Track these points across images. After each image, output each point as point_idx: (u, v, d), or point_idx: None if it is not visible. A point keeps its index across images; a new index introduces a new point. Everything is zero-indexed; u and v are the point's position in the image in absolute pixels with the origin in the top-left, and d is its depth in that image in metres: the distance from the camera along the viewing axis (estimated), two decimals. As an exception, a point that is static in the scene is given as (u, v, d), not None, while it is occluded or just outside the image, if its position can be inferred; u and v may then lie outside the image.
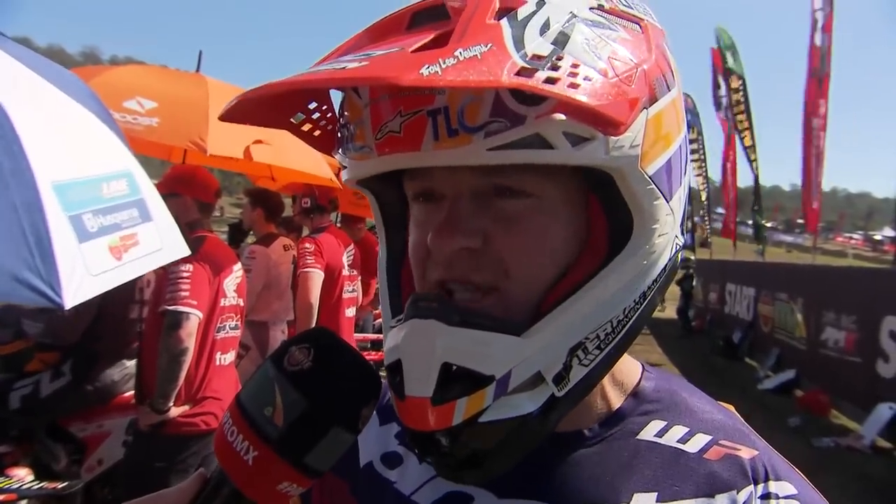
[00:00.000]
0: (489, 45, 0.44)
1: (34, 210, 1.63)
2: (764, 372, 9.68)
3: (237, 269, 3.09)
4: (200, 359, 2.81)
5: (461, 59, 0.41)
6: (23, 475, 2.66)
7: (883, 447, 6.25)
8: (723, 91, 16.87)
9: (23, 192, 1.63)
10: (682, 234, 0.60)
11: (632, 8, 0.56)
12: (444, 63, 0.41)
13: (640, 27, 0.54)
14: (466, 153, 0.47)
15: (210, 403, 2.83)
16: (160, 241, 2.14)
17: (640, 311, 0.55)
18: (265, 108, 0.55)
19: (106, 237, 1.87)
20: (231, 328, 3.01)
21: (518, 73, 0.43)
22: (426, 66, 0.40)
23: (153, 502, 0.53)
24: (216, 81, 4.34)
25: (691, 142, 20.24)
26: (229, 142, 3.93)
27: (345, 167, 0.59)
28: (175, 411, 2.70)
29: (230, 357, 3.02)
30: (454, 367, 0.51)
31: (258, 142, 3.87)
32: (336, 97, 0.59)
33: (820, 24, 11.31)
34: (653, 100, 0.51)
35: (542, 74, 0.44)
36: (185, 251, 2.38)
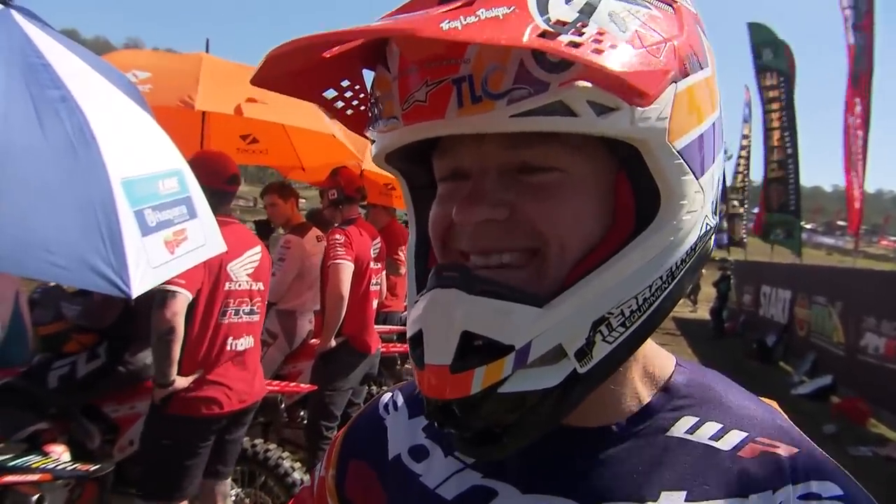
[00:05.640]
0: (512, 8, 0.44)
1: (107, 205, 1.82)
2: (799, 377, 9.43)
3: (251, 254, 3.08)
4: (202, 340, 2.85)
5: (482, 17, 0.42)
6: (60, 451, 2.76)
7: (924, 458, 6.03)
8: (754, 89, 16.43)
9: (98, 187, 1.83)
10: (715, 215, 0.58)
11: None
12: (465, 20, 0.41)
13: (673, 9, 0.54)
14: (489, 119, 0.47)
15: (213, 389, 2.85)
16: (204, 237, 2.29)
17: (667, 290, 0.53)
18: (298, 78, 0.55)
19: (162, 232, 2.04)
20: (245, 313, 3.01)
21: (540, 36, 0.43)
22: (447, 21, 0.41)
23: None
24: (211, 56, 4.44)
25: (743, 137, 19.80)
26: (219, 99, 3.97)
27: (373, 141, 0.59)
28: (183, 381, 2.76)
29: (247, 342, 3.02)
30: (474, 337, 0.50)
31: (251, 100, 3.88)
32: (368, 78, 0.59)
33: (851, 23, 10.96)
34: (683, 74, 0.51)
35: (566, 38, 0.44)
36: (223, 247, 2.48)
